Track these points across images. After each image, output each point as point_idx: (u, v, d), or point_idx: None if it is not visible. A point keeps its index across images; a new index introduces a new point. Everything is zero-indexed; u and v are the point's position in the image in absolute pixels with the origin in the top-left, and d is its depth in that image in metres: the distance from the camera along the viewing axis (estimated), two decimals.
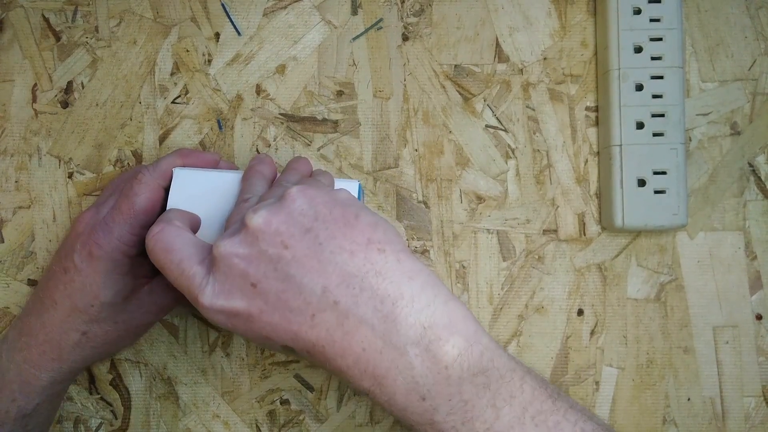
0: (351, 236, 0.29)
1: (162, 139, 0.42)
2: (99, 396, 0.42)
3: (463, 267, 0.42)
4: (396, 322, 0.28)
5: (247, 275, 0.29)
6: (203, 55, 0.43)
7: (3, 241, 0.42)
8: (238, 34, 0.43)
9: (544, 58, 0.43)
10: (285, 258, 0.29)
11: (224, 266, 0.30)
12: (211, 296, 0.30)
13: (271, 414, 0.42)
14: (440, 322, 0.29)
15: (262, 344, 0.33)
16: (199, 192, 0.36)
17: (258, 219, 0.30)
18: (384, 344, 0.28)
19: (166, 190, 0.37)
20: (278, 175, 0.37)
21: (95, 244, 0.35)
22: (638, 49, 0.41)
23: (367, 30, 0.43)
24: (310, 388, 0.42)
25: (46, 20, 0.43)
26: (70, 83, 0.43)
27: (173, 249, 0.31)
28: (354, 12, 0.43)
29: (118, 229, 0.35)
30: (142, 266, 0.38)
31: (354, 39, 0.43)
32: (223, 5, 0.43)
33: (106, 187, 0.40)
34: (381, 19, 0.43)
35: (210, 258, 0.31)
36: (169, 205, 0.36)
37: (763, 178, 0.42)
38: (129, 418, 0.42)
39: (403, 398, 0.28)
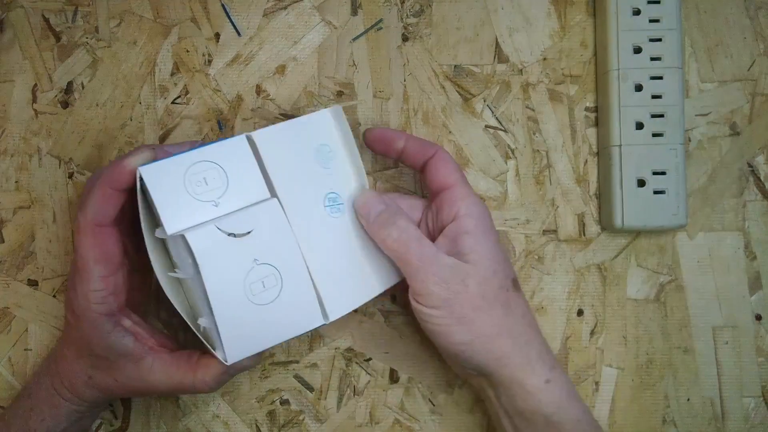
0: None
1: (162, 139, 0.42)
2: None
3: None
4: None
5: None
6: (203, 55, 0.43)
7: (3, 241, 0.42)
8: (238, 34, 0.43)
9: (544, 59, 0.43)
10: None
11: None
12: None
13: (271, 414, 0.42)
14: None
15: (502, 264, 0.36)
16: (177, 179, 0.33)
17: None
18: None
19: (113, 225, 0.34)
20: None
21: (71, 304, 0.35)
22: (637, 50, 0.41)
23: (367, 30, 0.43)
24: (310, 388, 0.42)
25: (46, 20, 0.43)
26: (70, 83, 0.43)
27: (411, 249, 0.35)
28: (354, 12, 0.43)
29: (81, 288, 0.34)
30: (133, 328, 0.36)
31: (354, 39, 0.43)
32: (223, 5, 0.43)
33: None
34: (381, 20, 0.43)
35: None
36: (159, 206, 0.32)
37: (762, 178, 0.43)
38: (129, 418, 0.42)
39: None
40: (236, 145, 0.34)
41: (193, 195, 0.33)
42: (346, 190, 0.37)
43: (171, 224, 0.32)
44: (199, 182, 0.33)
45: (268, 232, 0.33)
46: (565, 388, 0.35)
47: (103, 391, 0.37)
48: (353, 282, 0.37)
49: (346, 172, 0.38)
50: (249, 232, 0.33)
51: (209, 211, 0.33)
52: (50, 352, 0.39)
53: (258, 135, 0.35)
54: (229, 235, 0.32)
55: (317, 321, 0.35)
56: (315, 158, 0.36)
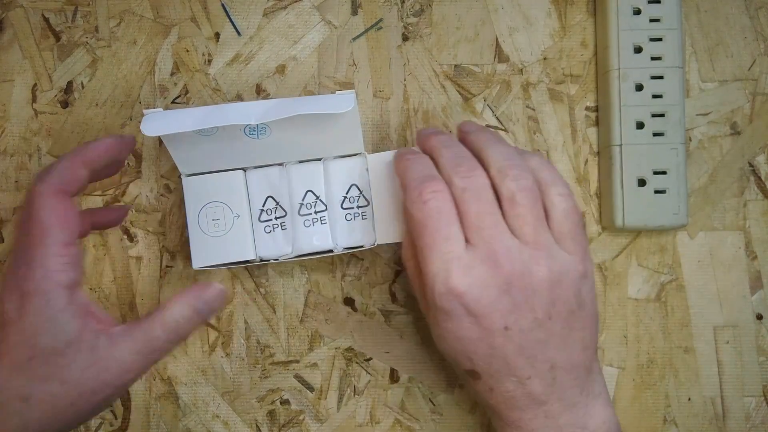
0: (590, 332, 0.33)
1: (162, 139, 0.42)
2: None
3: None
4: (586, 409, 0.33)
5: (513, 301, 0.31)
6: (203, 55, 0.43)
7: (3, 241, 0.42)
8: (238, 34, 0.43)
9: (544, 58, 0.43)
10: (543, 326, 0.31)
11: (502, 268, 0.31)
12: (469, 284, 0.31)
13: (271, 414, 0.42)
14: (612, 428, 0.33)
15: (451, 351, 0.33)
16: (212, 192, 0.37)
17: (543, 271, 0.31)
18: (565, 422, 0.32)
19: (74, 197, 0.32)
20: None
21: (21, 280, 0.29)
22: (638, 49, 0.41)
23: (367, 30, 0.43)
24: (310, 388, 0.42)
25: (46, 20, 0.43)
26: (70, 83, 0.43)
27: (445, 213, 0.32)
28: (354, 12, 0.43)
29: (37, 255, 0.29)
30: (89, 306, 0.31)
31: (354, 39, 0.43)
32: (223, 5, 0.43)
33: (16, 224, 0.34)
34: (381, 19, 0.43)
35: (488, 247, 0.31)
36: (188, 212, 0.37)
37: (763, 177, 0.43)
38: (129, 418, 0.42)
39: None
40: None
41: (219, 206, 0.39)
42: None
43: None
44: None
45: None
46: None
47: (41, 415, 0.29)
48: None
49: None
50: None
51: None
52: None
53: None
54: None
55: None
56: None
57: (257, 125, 0.36)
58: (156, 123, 0.34)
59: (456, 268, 0.31)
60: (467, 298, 0.31)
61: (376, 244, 0.38)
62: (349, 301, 0.42)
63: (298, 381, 0.42)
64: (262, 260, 0.39)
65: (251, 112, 0.35)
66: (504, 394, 0.32)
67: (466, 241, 0.32)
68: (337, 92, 0.36)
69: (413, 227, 0.33)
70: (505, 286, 0.31)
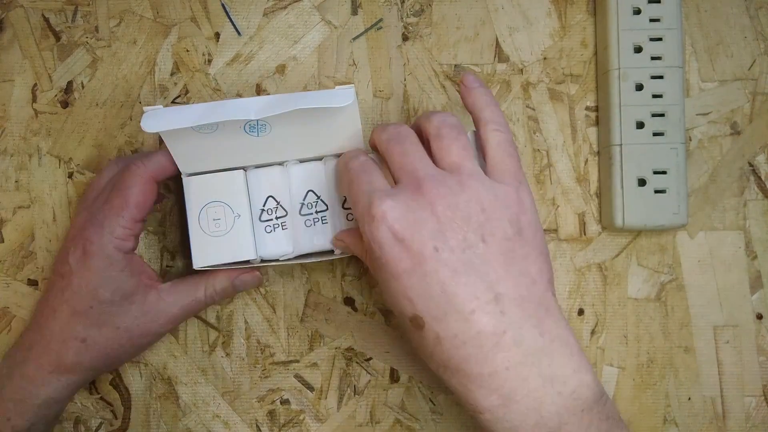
0: (536, 265, 0.31)
1: (162, 138, 0.42)
2: (99, 396, 0.42)
3: None
4: (551, 357, 0.29)
5: (438, 220, 0.30)
6: (203, 55, 0.43)
7: (3, 241, 0.42)
8: (238, 34, 0.43)
9: (544, 58, 0.43)
10: (477, 248, 0.30)
11: (425, 192, 0.31)
12: (391, 205, 0.30)
13: (272, 414, 0.42)
14: (586, 379, 0.30)
15: (392, 298, 0.31)
16: (213, 192, 0.38)
17: (469, 193, 0.31)
18: (530, 372, 0.29)
19: (158, 184, 0.37)
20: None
21: (87, 240, 0.36)
22: (638, 49, 0.41)
23: (367, 30, 0.43)
24: (310, 388, 0.42)
25: (46, 20, 0.43)
26: (70, 83, 0.43)
27: (367, 166, 0.34)
28: (354, 12, 0.43)
29: (108, 223, 0.36)
30: (142, 266, 0.38)
31: (354, 39, 0.43)
32: (223, 5, 0.43)
33: (93, 184, 0.39)
34: (381, 19, 0.43)
35: (411, 177, 0.32)
36: (189, 211, 0.38)
37: (763, 177, 0.43)
38: (129, 418, 0.42)
39: (521, 421, 0.29)
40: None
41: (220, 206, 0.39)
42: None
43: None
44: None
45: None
46: None
47: (95, 354, 0.36)
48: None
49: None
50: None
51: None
52: (14, 344, 0.38)
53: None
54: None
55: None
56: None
57: (257, 122, 0.36)
58: (156, 119, 0.34)
59: (377, 197, 0.31)
60: (390, 218, 0.30)
61: None
62: (349, 301, 0.42)
63: (298, 381, 0.42)
64: (262, 260, 0.39)
65: (251, 107, 0.35)
66: (452, 341, 0.29)
67: (394, 183, 0.33)
68: (336, 87, 0.36)
69: (346, 194, 0.34)
70: (428, 206, 0.30)
